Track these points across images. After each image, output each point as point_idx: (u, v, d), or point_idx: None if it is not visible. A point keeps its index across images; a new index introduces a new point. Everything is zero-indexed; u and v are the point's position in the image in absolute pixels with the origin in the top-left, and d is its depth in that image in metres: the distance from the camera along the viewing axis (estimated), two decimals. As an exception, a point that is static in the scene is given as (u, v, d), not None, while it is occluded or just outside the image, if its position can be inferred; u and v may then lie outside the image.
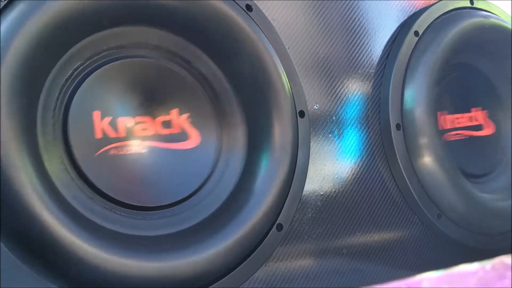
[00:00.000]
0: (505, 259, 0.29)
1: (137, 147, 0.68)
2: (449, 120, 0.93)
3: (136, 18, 0.67)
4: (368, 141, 0.84)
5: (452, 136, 0.93)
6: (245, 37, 0.71)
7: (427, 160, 0.83)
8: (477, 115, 0.96)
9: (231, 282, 0.69)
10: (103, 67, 0.67)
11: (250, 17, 0.73)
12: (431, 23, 0.88)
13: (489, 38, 0.94)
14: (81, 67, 0.66)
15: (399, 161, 0.83)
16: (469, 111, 0.95)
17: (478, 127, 0.96)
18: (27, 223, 0.55)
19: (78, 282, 0.58)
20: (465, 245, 0.87)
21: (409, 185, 0.83)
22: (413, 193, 0.84)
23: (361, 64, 0.85)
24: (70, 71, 0.65)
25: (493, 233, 0.88)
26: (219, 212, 0.69)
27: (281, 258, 0.75)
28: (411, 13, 0.90)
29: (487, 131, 0.96)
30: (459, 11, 0.91)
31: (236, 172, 0.72)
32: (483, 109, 0.96)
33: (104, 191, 0.64)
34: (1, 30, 0.58)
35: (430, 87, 0.83)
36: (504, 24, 0.94)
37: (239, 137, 0.73)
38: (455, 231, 0.87)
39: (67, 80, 0.65)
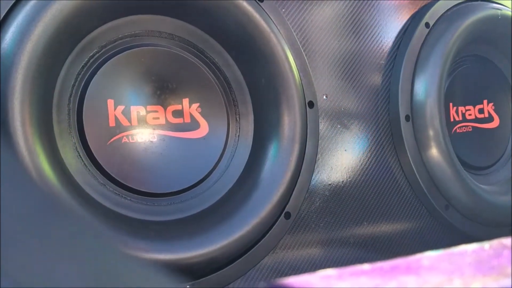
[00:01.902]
0: (504, 240, 0.30)
1: (148, 135, 0.69)
2: (458, 112, 0.93)
3: (151, 7, 0.69)
4: (377, 132, 0.85)
5: (460, 128, 0.93)
6: (257, 27, 0.71)
7: (436, 151, 0.83)
8: (485, 108, 0.96)
9: (239, 269, 0.70)
10: (117, 56, 0.68)
11: (262, 7, 0.74)
12: (442, 14, 0.88)
13: (502, 30, 0.94)
14: (97, 55, 0.67)
15: (407, 152, 0.83)
16: (478, 104, 0.95)
17: (486, 120, 0.96)
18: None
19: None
20: (472, 236, 0.87)
21: (417, 176, 0.84)
22: (421, 184, 0.84)
23: (371, 55, 0.85)
24: (86, 59, 0.66)
25: (500, 224, 0.88)
26: (226, 200, 0.70)
27: (289, 246, 0.76)
28: (422, 4, 0.89)
29: (493, 123, 0.96)
30: (470, 3, 0.91)
31: (243, 160, 0.73)
32: (490, 102, 0.96)
33: (116, 177, 0.66)
34: (20, 19, 0.59)
35: (440, 79, 0.83)
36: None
37: (248, 126, 0.74)
38: (462, 222, 0.87)
39: (82, 68, 0.66)
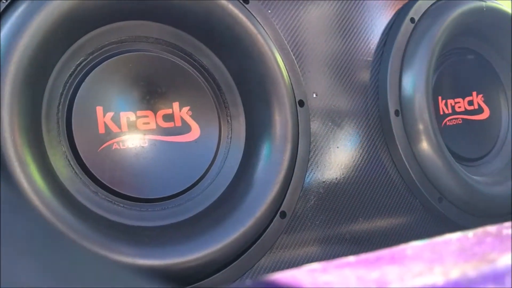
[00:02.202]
0: (488, 227, 0.30)
1: (139, 141, 0.69)
2: (448, 105, 0.93)
3: (136, 13, 0.69)
4: (368, 128, 0.85)
5: (450, 120, 0.93)
6: (243, 29, 0.72)
7: (427, 145, 0.83)
8: (475, 100, 0.96)
9: (236, 271, 0.70)
10: (105, 62, 0.68)
11: (247, 9, 0.74)
12: (427, 9, 0.89)
13: (487, 22, 0.95)
14: (84, 62, 0.67)
15: (398, 146, 0.84)
16: (467, 96, 0.96)
17: (475, 111, 0.97)
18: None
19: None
20: (466, 227, 0.87)
21: (409, 170, 0.84)
22: (414, 177, 0.84)
23: (358, 53, 0.86)
24: (73, 67, 0.67)
25: (493, 215, 0.88)
26: (220, 202, 0.70)
27: (285, 245, 0.76)
28: (407, 0, 0.90)
29: (483, 115, 0.97)
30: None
31: (236, 162, 0.73)
32: (479, 93, 0.97)
33: (107, 184, 0.66)
34: (4, 30, 0.59)
35: (428, 73, 0.84)
36: (501, 7, 0.94)
37: (239, 127, 0.74)
38: (456, 214, 0.87)
39: (70, 76, 0.66)
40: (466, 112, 0.95)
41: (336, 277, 0.22)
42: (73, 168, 0.65)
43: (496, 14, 0.94)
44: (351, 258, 0.24)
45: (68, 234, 0.56)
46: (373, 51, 0.87)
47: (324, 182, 0.81)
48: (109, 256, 0.58)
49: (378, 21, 0.88)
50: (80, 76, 0.67)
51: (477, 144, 0.97)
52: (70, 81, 0.66)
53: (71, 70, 0.66)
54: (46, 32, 0.60)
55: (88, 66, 0.67)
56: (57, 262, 0.20)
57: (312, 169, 0.79)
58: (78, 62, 0.67)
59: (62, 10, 0.61)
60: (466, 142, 0.95)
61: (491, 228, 0.31)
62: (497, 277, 0.22)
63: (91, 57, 0.68)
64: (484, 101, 0.97)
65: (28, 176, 0.57)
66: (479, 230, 0.30)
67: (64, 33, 0.63)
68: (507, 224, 0.32)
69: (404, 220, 0.86)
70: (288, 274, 0.23)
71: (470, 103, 0.96)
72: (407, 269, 0.23)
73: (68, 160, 0.64)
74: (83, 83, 0.66)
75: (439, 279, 0.21)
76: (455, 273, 0.21)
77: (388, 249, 0.27)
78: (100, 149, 0.66)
